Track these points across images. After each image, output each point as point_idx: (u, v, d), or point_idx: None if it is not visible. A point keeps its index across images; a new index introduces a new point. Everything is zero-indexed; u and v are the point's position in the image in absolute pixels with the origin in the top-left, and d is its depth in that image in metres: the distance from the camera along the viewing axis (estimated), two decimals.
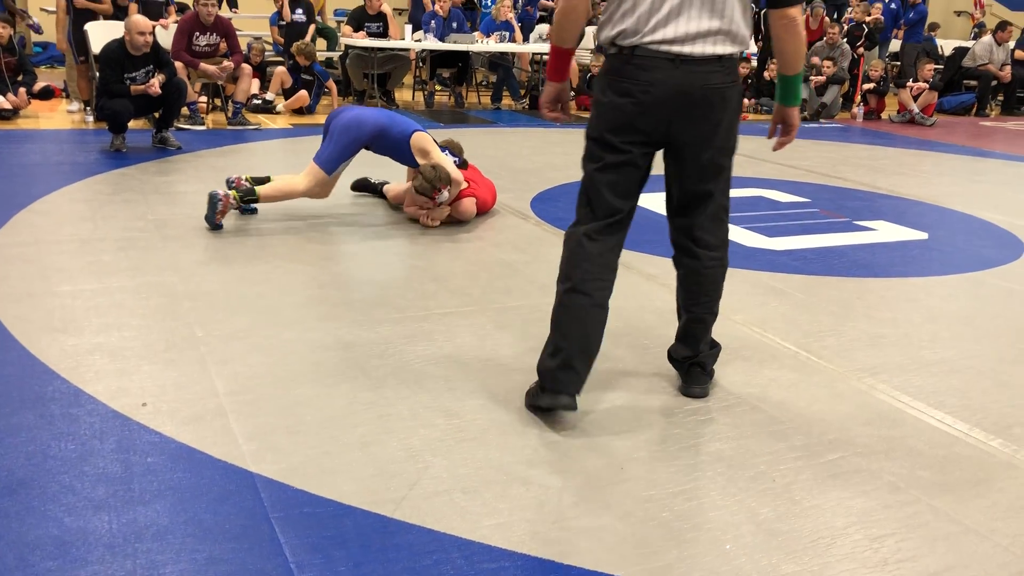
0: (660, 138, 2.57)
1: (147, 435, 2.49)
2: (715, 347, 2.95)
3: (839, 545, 2.11)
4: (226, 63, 7.91)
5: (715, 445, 2.57)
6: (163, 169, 6.11)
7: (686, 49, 2.46)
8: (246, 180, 4.76)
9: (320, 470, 2.34)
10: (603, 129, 2.58)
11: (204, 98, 8.60)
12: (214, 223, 4.55)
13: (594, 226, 2.62)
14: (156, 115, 6.87)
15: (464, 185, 4.91)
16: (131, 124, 6.77)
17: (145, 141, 6.92)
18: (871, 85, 11.04)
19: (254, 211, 4.87)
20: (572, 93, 10.56)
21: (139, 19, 6.51)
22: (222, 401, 2.70)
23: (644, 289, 3.95)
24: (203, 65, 7.80)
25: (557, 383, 2.61)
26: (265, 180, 4.83)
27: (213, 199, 4.53)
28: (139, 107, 6.62)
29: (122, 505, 2.14)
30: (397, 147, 4.79)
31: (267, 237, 4.53)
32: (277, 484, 2.27)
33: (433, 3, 10.39)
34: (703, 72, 2.49)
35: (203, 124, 7.91)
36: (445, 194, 4.70)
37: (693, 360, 2.88)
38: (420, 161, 4.77)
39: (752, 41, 10.68)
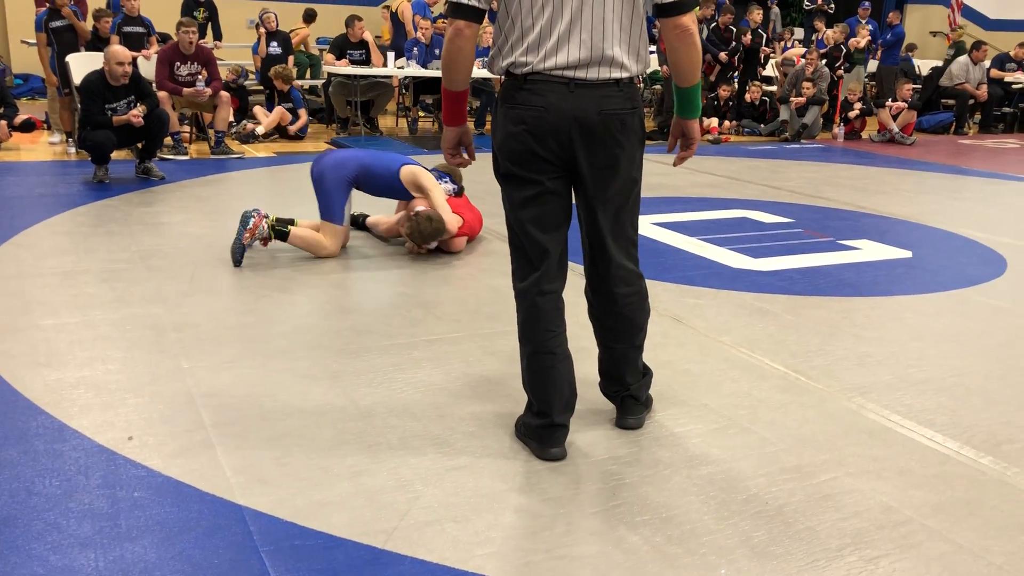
0: (566, 164, 2.46)
1: (133, 469, 2.46)
2: (647, 374, 2.85)
3: (834, 568, 2.09)
4: (202, 88, 7.88)
5: (706, 468, 2.56)
6: (146, 200, 6.08)
7: (580, 73, 2.38)
8: (269, 223, 4.63)
9: (309, 502, 2.31)
10: (506, 161, 2.48)
11: (187, 128, 8.60)
12: (240, 245, 4.45)
13: (538, 276, 2.53)
14: (139, 146, 6.86)
15: (455, 232, 4.78)
16: (114, 155, 6.75)
17: (128, 172, 6.90)
18: (856, 112, 11.13)
19: (282, 236, 4.65)
20: None
21: (118, 49, 6.51)
22: (209, 433, 2.68)
23: None
24: (186, 91, 7.81)
25: (544, 439, 2.59)
26: (289, 221, 4.72)
27: (246, 217, 4.47)
28: (122, 138, 6.61)
29: (109, 542, 2.11)
30: (387, 185, 4.75)
31: (252, 267, 4.50)
32: (266, 517, 2.24)
33: (416, 30, 10.45)
34: (599, 96, 2.39)
35: (186, 154, 7.89)
36: (434, 244, 4.72)
37: (624, 393, 2.79)
38: (415, 195, 4.75)
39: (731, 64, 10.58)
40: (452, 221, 4.72)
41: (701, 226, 5.78)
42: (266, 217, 4.57)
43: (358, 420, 2.80)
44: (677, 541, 2.18)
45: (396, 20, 11.80)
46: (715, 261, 4.90)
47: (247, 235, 4.46)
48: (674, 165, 2.72)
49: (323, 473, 2.46)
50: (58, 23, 8.22)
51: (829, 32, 12.60)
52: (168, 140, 7.56)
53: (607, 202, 2.52)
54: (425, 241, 4.66)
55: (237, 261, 4.46)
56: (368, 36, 9.99)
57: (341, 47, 9.86)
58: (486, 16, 2.47)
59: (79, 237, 4.99)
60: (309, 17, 11.74)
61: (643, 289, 2.70)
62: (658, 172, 7.57)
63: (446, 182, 5.00)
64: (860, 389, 3.17)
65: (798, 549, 2.17)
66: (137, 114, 6.42)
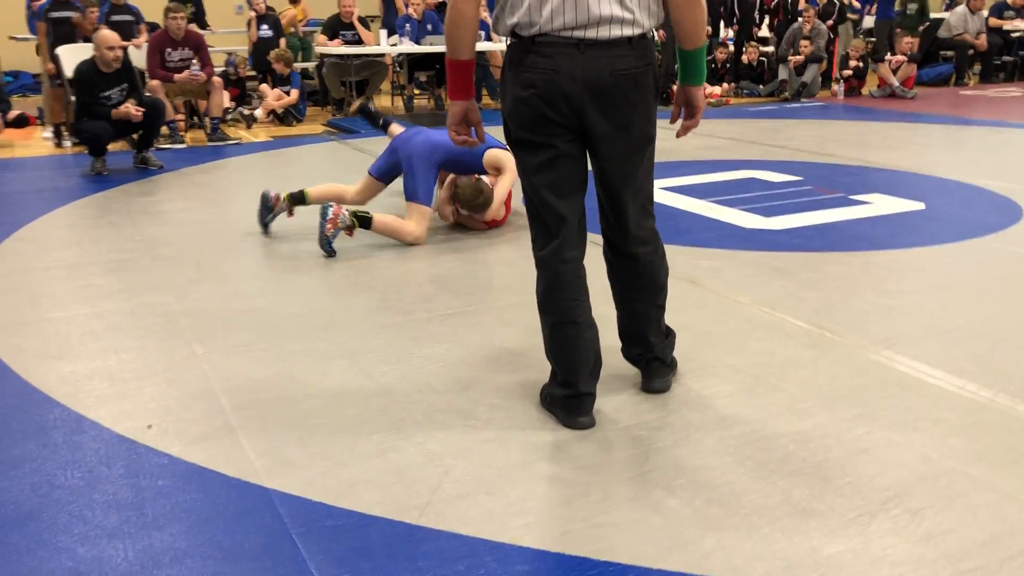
0: (577, 127, 2.37)
1: (155, 457, 2.41)
2: (670, 335, 2.79)
3: (879, 521, 2.04)
4: (196, 73, 7.75)
5: (739, 429, 2.51)
6: (147, 189, 6.01)
7: (590, 33, 2.27)
8: (284, 199, 4.62)
9: (338, 481, 2.26)
10: (517, 127, 2.41)
11: (183, 116, 8.51)
12: (325, 238, 4.30)
13: (558, 243, 2.45)
14: (136, 136, 6.78)
15: (487, 219, 4.70)
16: (111, 147, 6.67)
17: (126, 163, 6.82)
18: (849, 72, 11.01)
19: (366, 224, 4.40)
20: None
21: (107, 34, 6.42)
22: (229, 418, 2.62)
23: None
24: (177, 77, 7.70)
25: (571, 409, 2.53)
26: (301, 195, 4.63)
27: (324, 209, 4.33)
28: (118, 129, 6.52)
29: (136, 531, 2.06)
30: (472, 168, 4.65)
31: (258, 251, 4.44)
32: (294, 499, 2.19)
33: (407, 6, 10.31)
34: (610, 57, 2.30)
35: (183, 142, 7.81)
36: (463, 214, 4.71)
37: (649, 355, 2.73)
38: (491, 174, 4.69)
39: (726, 26, 10.58)
40: (495, 209, 4.64)
41: (709, 188, 5.71)
42: (338, 222, 4.36)
43: (380, 397, 2.74)
44: (717, 503, 2.13)
45: None
46: (727, 222, 4.83)
47: (329, 226, 4.25)
48: (678, 136, 2.58)
49: (349, 452, 2.41)
50: (58, 13, 8.12)
51: None
52: (164, 129, 7.47)
53: (622, 162, 2.45)
54: (464, 206, 4.58)
55: (330, 253, 4.28)
56: (355, 16, 9.83)
57: (333, 27, 9.73)
58: None
59: (82, 229, 4.92)
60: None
61: (661, 247, 2.64)
62: (661, 137, 7.49)
63: None
64: (887, 342, 3.11)
65: (841, 504, 2.12)
66: (138, 108, 6.34)
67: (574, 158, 2.43)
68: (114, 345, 3.20)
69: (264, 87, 9.30)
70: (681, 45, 2.41)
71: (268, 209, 4.65)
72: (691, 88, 2.47)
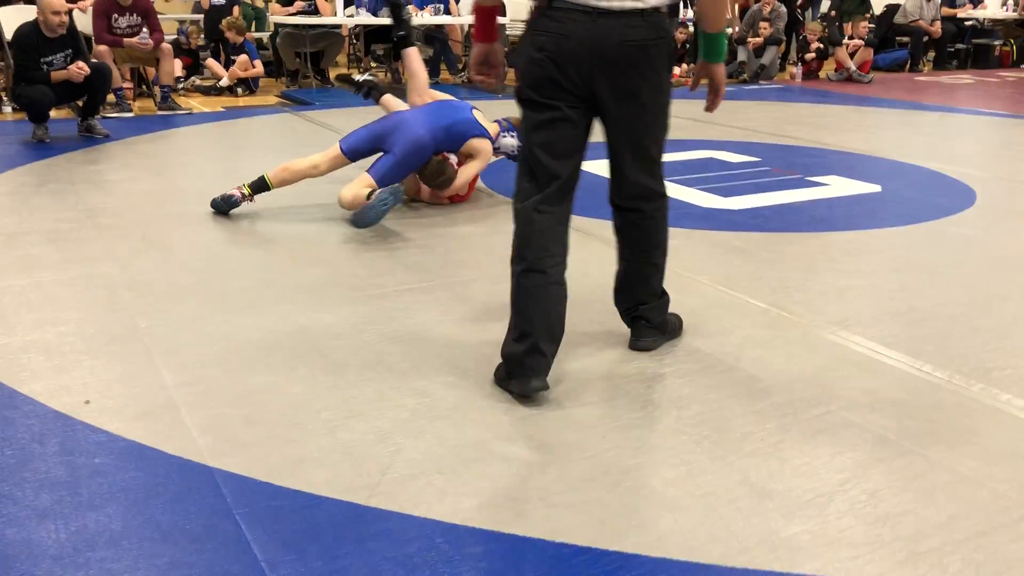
0: (585, 94, 2.44)
1: (93, 434, 2.30)
2: (663, 297, 2.84)
3: (837, 502, 2.02)
4: (144, 40, 7.48)
5: (696, 408, 2.47)
6: (92, 158, 5.81)
7: (603, 3, 2.35)
8: (247, 189, 4.38)
9: (284, 460, 2.18)
10: (526, 87, 2.48)
11: (131, 84, 8.25)
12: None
13: (539, 197, 2.49)
14: (80, 103, 6.54)
15: (444, 196, 4.62)
16: (54, 114, 6.43)
17: (70, 130, 6.58)
18: (812, 55, 11.06)
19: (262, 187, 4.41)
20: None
21: None
22: (172, 393, 2.52)
23: (608, 255, 3.83)
24: (127, 41, 7.44)
25: (525, 369, 2.47)
26: (262, 182, 4.39)
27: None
28: (60, 94, 6.28)
29: (70, 512, 1.96)
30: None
31: (205, 223, 4.30)
32: (239, 478, 2.10)
33: None
34: (621, 27, 2.37)
35: (130, 111, 7.57)
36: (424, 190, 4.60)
37: (635, 313, 2.81)
38: (461, 158, 4.59)
39: (685, 6, 10.51)
40: (457, 187, 4.54)
41: (668, 167, 5.56)
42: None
43: (330, 374, 2.66)
44: (673, 483, 2.09)
45: None
46: (685, 201, 4.80)
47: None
48: (707, 111, 2.70)
49: (297, 429, 2.32)
50: None
51: None
52: (111, 97, 7.23)
53: (627, 127, 2.53)
54: (426, 181, 4.48)
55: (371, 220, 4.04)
56: None
57: None
58: None
59: (21, 197, 4.73)
60: None
61: (662, 207, 2.72)
62: None
63: (511, 135, 4.66)
64: (844, 322, 3.10)
65: (798, 485, 2.09)
66: (81, 67, 6.09)
67: (574, 124, 2.49)
68: (52, 317, 3.07)
69: (211, 62, 9.02)
70: (703, 29, 2.54)
71: (233, 205, 4.38)
72: (712, 66, 2.59)
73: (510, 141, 4.64)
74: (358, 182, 4.21)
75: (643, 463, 2.18)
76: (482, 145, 4.54)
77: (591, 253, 3.83)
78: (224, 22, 9.01)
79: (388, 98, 4.88)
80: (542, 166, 2.48)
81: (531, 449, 2.24)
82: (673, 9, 2.51)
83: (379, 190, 4.05)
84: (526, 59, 2.46)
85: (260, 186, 4.38)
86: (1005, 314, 3.20)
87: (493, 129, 4.60)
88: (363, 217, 3.99)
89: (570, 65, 2.39)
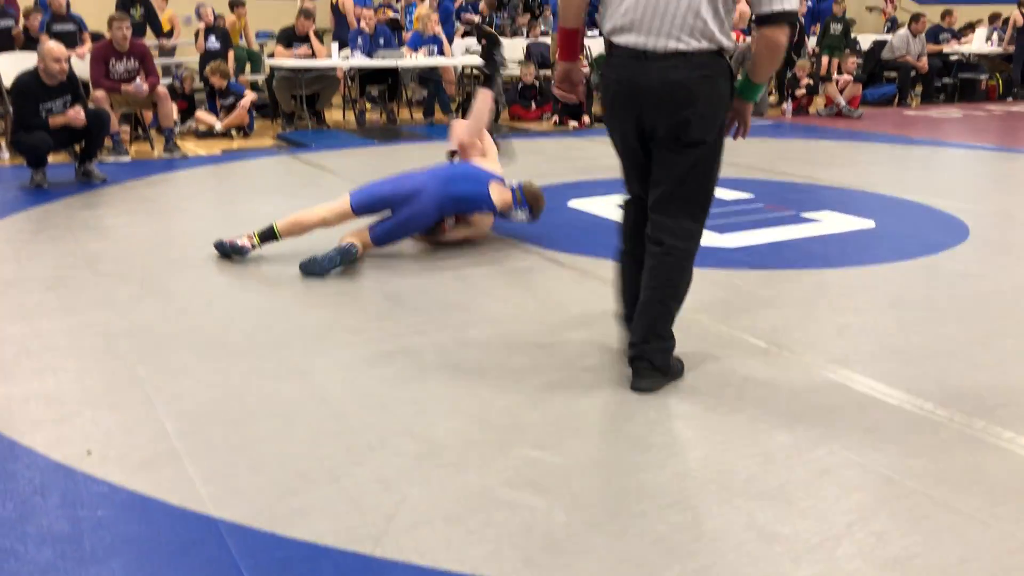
0: (637, 128, 2.74)
1: (95, 486, 2.28)
2: (668, 341, 2.86)
3: (845, 545, 2.02)
4: (138, 87, 7.52)
5: (701, 450, 2.47)
6: (90, 203, 5.82)
7: (650, 45, 2.61)
8: (256, 238, 4.33)
9: (289, 510, 2.16)
10: (605, 118, 2.93)
11: (127, 127, 8.29)
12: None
13: (627, 190, 2.98)
14: (78, 148, 6.57)
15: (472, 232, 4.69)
16: (52, 159, 6.45)
17: (68, 175, 6.59)
18: (803, 91, 11.19)
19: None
20: (499, 104, 10.49)
21: (53, 46, 6.20)
22: (174, 443, 2.51)
23: (606, 295, 3.84)
24: (124, 87, 7.50)
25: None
26: (271, 231, 4.34)
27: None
28: (59, 140, 6.31)
29: (73, 567, 1.94)
30: (474, 206, 4.59)
31: (204, 267, 4.31)
32: (243, 529, 2.09)
33: (358, 21, 10.23)
34: (663, 67, 2.61)
35: (127, 155, 7.59)
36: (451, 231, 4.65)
37: (635, 354, 2.83)
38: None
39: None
40: (482, 231, 4.68)
41: None
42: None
43: (333, 420, 2.65)
44: (681, 528, 2.09)
45: (337, 11, 11.55)
46: None
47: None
48: (734, 138, 2.91)
49: (301, 478, 2.31)
50: None
51: None
52: (108, 142, 7.26)
53: (666, 162, 2.74)
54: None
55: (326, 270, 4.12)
56: (312, 29, 9.71)
57: (288, 38, 9.59)
58: None
59: (20, 244, 4.74)
60: (233, 4, 11.31)
61: (687, 251, 2.83)
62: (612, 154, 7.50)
63: (523, 211, 4.63)
64: (844, 361, 3.10)
65: (806, 528, 2.09)
66: (78, 111, 6.12)
67: (636, 153, 2.83)
68: (52, 366, 3.06)
69: (200, 113, 9.04)
70: (750, 76, 2.77)
71: (242, 255, 4.33)
72: (743, 103, 2.81)
73: (521, 216, 4.67)
74: (357, 235, 4.26)
75: (649, 508, 2.17)
76: (484, 221, 4.62)
77: (589, 292, 3.85)
78: (208, 67, 9.06)
79: (458, 123, 5.02)
80: (628, 180, 2.94)
81: (537, 495, 2.23)
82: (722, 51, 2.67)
83: (333, 249, 4.13)
84: (602, 95, 2.86)
85: (268, 235, 4.34)
86: (1003, 350, 3.21)
87: (506, 200, 4.54)
88: (310, 267, 4.08)
89: (622, 102, 2.73)
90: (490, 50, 5.29)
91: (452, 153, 4.94)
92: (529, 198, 4.61)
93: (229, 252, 4.33)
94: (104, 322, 3.50)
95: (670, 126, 2.67)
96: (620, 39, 2.67)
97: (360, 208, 4.36)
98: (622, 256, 3.00)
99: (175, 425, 2.62)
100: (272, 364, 3.08)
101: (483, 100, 4.94)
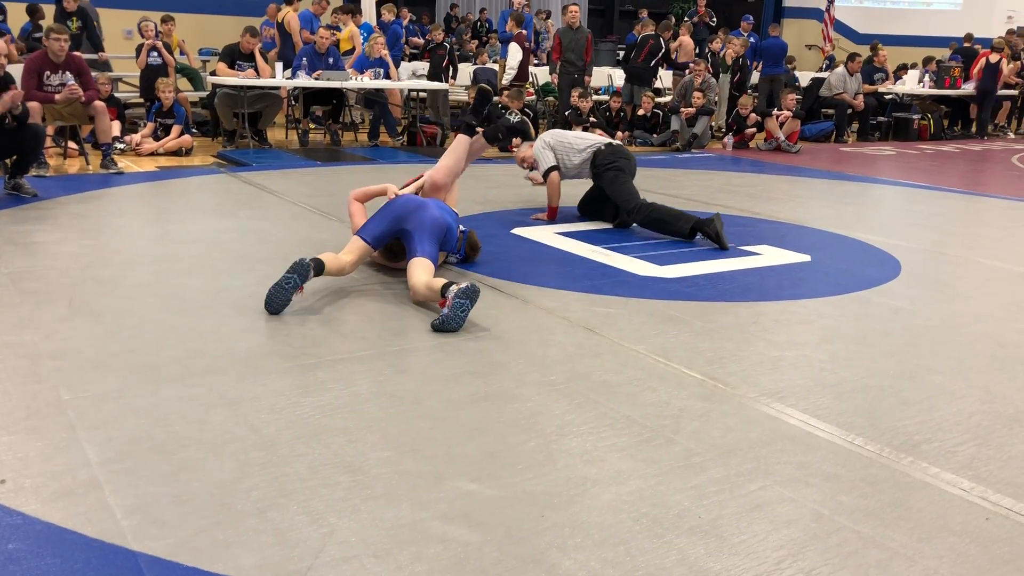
0: None
1: (7, 517, 2.19)
2: None
3: None
4: (73, 86, 7.34)
5: (635, 484, 2.47)
6: (18, 218, 5.65)
7: None
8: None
9: (213, 543, 2.10)
10: None
11: (50, 141, 8.04)
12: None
13: None
14: (8, 161, 6.38)
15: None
16: None
17: None
18: (753, 130, 11.43)
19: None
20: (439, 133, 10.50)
21: None
22: (95, 471, 2.42)
23: (545, 324, 3.85)
24: (58, 97, 7.31)
25: None
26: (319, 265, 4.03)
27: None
28: None
29: None
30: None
31: (136, 288, 4.20)
32: (164, 563, 2.02)
33: (304, 43, 10.16)
34: None
35: (47, 168, 7.31)
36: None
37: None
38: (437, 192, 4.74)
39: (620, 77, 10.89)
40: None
41: (603, 235, 5.74)
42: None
43: (262, 449, 2.59)
44: (613, 564, 2.07)
45: (283, 30, 11.47)
46: (622, 269, 4.86)
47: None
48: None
49: (226, 510, 2.25)
50: None
51: (715, 44, 12.95)
52: None
53: None
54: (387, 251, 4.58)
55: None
56: (256, 49, 9.61)
57: (232, 56, 9.47)
58: None
59: None
60: (166, 19, 11.08)
61: None
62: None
63: (456, 257, 4.82)
64: (778, 394, 3.14)
65: (736, 564, 2.09)
66: (7, 99, 5.95)
67: None
68: None
69: (134, 136, 8.90)
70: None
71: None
72: None
73: (452, 260, 4.87)
74: (425, 275, 4.07)
75: (582, 543, 2.16)
76: (439, 259, 4.57)
77: (528, 321, 3.84)
78: (161, 82, 8.95)
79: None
80: None
81: (469, 529, 2.20)
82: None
83: (454, 293, 3.71)
84: None
85: (319, 269, 4.04)
86: (932, 386, 3.28)
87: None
88: (448, 324, 3.68)
89: None
90: (481, 104, 5.26)
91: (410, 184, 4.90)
92: (468, 248, 4.82)
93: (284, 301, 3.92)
94: (28, 343, 3.38)
95: None
96: None
97: (376, 240, 4.33)
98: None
99: (98, 453, 2.53)
100: (202, 391, 3.00)
101: (467, 144, 4.98)
